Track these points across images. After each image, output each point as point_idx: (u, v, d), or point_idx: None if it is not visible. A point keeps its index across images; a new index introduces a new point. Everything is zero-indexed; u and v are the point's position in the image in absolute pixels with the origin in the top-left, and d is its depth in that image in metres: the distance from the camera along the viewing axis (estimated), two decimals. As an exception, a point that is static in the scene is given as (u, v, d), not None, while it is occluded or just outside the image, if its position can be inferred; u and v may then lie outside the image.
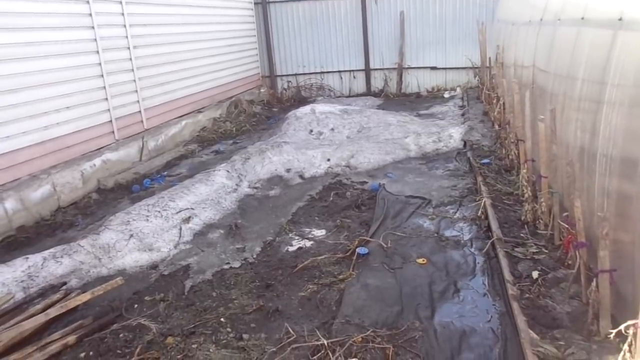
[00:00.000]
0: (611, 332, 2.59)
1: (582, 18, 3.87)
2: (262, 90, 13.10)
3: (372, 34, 12.97)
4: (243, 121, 10.66)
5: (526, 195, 4.80)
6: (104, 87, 7.12)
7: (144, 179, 7.08)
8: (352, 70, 13.38)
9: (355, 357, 3.11)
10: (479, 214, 5.10)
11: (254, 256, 4.69)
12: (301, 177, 6.93)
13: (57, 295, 3.96)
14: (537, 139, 4.52)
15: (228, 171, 6.66)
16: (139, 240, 4.87)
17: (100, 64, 7.02)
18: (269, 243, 4.96)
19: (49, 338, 3.47)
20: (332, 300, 3.85)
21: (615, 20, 3.14)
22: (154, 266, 4.60)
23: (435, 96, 12.49)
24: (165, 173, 7.49)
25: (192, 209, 5.57)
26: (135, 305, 3.95)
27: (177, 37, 9.13)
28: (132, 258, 4.64)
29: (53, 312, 3.67)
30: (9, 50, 5.56)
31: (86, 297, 3.85)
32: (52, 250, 4.57)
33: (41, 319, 3.59)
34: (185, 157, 8.38)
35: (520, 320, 3.22)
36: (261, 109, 12.04)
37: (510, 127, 6.17)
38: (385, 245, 4.65)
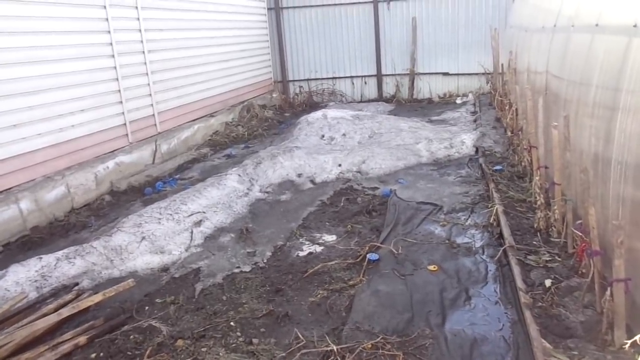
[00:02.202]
0: (626, 343, 2.55)
1: (597, 24, 3.83)
2: (274, 95, 13.16)
3: (384, 39, 12.98)
4: (255, 126, 10.71)
5: (539, 203, 4.75)
6: (119, 91, 7.20)
7: (157, 182, 7.14)
8: (364, 76, 13.39)
9: (365, 363, 3.09)
10: (491, 221, 5.06)
11: (265, 260, 4.69)
12: (312, 182, 6.93)
13: (70, 296, 4.00)
14: (550, 146, 4.48)
15: (240, 175, 6.68)
16: (151, 242, 4.90)
17: (115, 67, 7.11)
18: (279, 248, 4.96)
19: (60, 338, 3.51)
20: (342, 306, 3.84)
21: (630, 26, 3.11)
22: (165, 269, 4.63)
23: (447, 102, 12.45)
24: (178, 176, 7.55)
25: (204, 212, 5.59)
26: (146, 307, 3.97)
27: (191, 41, 9.22)
28: (143, 260, 4.68)
29: (65, 312, 3.70)
30: (26, 54, 5.66)
31: (98, 298, 3.88)
32: (65, 251, 4.62)
33: (53, 318, 3.62)
34: (197, 160, 8.43)
35: (533, 329, 3.18)
36: (273, 113, 12.08)
37: (523, 134, 6.12)
38: (396, 252, 4.63)
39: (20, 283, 4.13)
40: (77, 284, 4.28)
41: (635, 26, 3.05)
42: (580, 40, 4.29)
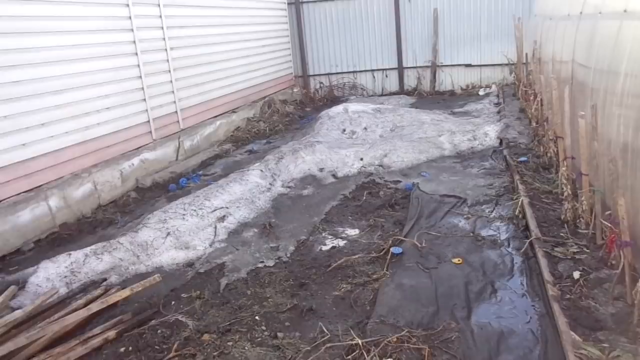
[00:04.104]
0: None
1: (625, 10, 3.72)
2: (295, 90, 13.17)
3: (405, 32, 12.85)
4: (276, 121, 10.75)
5: (566, 194, 4.66)
6: (142, 88, 7.30)
7: (180, 178, 7.23)
8: (385, 69, 13.29)
9: (390, 357, 3.09)
10: (516, 213, 4.98)
11: (288, 255, 4.72)
12: (334, 176, 6.93)
13: (98, 291, 4.09)
14: (576, 136, 4.38)
15: (262, 170, 6.72)
16: (176, 238, 4.98)
17: (139, 65, 7.21)
18: (302, 242, 4.98)
19: (90, 332, 3.59)
20: (366, 300, 3.84)
21: (662, 11, 3.01)
22: (190, 264, 4.69)
23: (469, 94, 12.27)
24: (201, 172, 7.63)
25: (227, 207, 5.64)
26: (173, 302, 4.04)
27: (212, 38, 9.28)
28: (169, 256, 4.75)
29: (94, 308, 3.79)
30: (53, 53, 5.78)
31: (125, 293, 3.96)
32: (93, 247, 4.71)
33: (83, 313, 3.71)
34: (220, 156, 8.51)
35: (562, 322, 3.13)
36: (294, 108, 12.10)
37: (549, 124, 6.00)
38: (419, 245, 4.60)
39: (50, 279, 4.24)
40: (105, 279, 4.38)
41: (666, 10, 2.96)
42: (607, 27, 4.17)
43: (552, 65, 6.57)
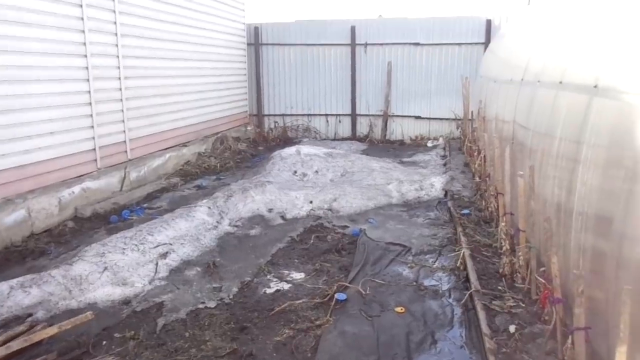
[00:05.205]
0: (586, 393, 2.58)
1: (560, 82, 4.04)
2: (248, 128, 13.22)
3: (359, 80, 13.30)
4: (228, 158, 10.68)
5: (504, 248, 4.85)
6: (91, 115, 7.11)
7: (123, 210, 6.98)
8: (339, 115, 13.62)
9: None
10: (458, 265, 5.12)
11: (231, 297, 4.60)
12: (283, 217, 6.91)
13: (22, 327, 3.81)
14: (516, 193, 4.61)
15: (209, 207, 6.61)
16: (113, 273, 4.75)
17: (89, 91, 7.04)
18: (246, 284, 4.88)
19: (9, 373, 3.32)
20: (308, 346, 3.77)
21: (591, 87, 3.29)
22: (126, 301, 4.47)
23: (418, 144, 12.74)
24: (146, 205, 7.40)
25: (170, 244, 5.48)
26: (104, 342, 3.81)
27: (168, 71, 9.24)
28: (104, 292, 4.51)
29: (15, 346, 3.51)
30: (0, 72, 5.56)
31: (53, 330, 3.70)
32: (20, 279, 4.42)
33: (1, 352, 3.43)
34: (167, 190, 8.31)
35: (497, 376, 3.19)
36: (247, 146, 12.09)
37: (490, 180, 6.29)
38: (363, 292, 4.62)
39: (-32, 312, 3.92)
40: (30, 314, 4.08)
41: (595, 87, 3.23)
42: (545, 94, 4.50)
43: (495, 123, 6.96)
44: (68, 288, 4.45)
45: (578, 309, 2.93)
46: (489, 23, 12.25)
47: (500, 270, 4.81)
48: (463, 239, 5.65)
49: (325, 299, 4.46)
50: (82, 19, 6.85)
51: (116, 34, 7.65)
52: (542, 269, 3.88)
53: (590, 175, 3.20)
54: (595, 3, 4.16)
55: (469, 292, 4.47)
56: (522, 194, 4.29)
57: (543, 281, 3.74)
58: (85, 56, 6.95)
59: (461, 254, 5.18)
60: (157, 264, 5.07)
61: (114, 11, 7.57)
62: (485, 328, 3.81)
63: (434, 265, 5.29)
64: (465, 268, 4.98)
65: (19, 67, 5.83)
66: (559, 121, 3.94)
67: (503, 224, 5.07)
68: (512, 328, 3.84)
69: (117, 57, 7.71)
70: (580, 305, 2.92)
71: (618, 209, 2.81)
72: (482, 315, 4.01)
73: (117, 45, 7.67)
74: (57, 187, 6.47)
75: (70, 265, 4.71)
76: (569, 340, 3.05)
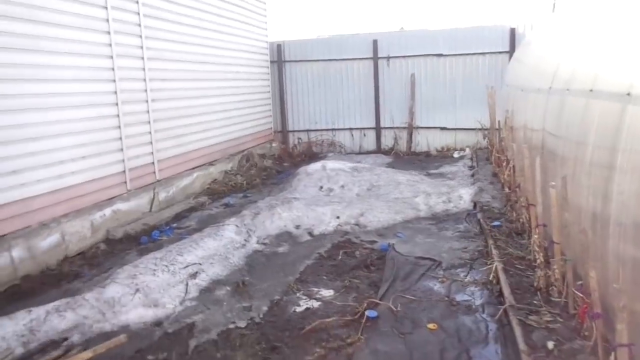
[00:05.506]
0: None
1: (591, 90, 3.94)
2: (273, 144, 13.32)
3: (383, 93, 13.29)
4: (254, 175, 10.76)
5: (538, 261, 4.72)
6: (120, 138, 7.28)
7: (153, 231, 7.08)
8: (363, 128, 13.61)
9: None
10: (490, 278, 5.00)
11: (261, 316, 4.59)
12: (310, 234, 6.89)
13: (58, 352, 3.87)
14: (548, 204, 4.49)
15: (237, 226, 6.65)
16: (145, 295, 4.80)
17: (118, 115, 7.21)
18: (276, 302, 4.86)
19: (46, 396, 3.37)
20: (339, 365, 3.72)
21: (624, 94, 3.19)
22: (158, 323, 4.50)
23: (444, 156, 12.60)
24: (175, 225, 7.50)
25: (200, 264, 5.52)
26: (137, 364, 3.84)
27: (193, 92, 9.41)
28: (136, 314, 4.56)
29: (52, 369, 3.58)
30: (31, 100, 5.75)
31: (87, 355, 3.75)
32: (56, 303, 4.50)
33: (40, 375, 3.49)
34: (195, 209, 8.41)
35: (537, 396, 3.08)
36: (272, 163, 12.18)
37: (521, 191, 6.15)
38: (394, 309, 4.54)
39: (6, 338, 3.98)
40: (66, 338, 4.15)
41: (629, 94, 3.13)
42: (575, 102, 4.39)
43: (523, 132, 6.82)
44: (102, 311, 4.52)
45: (620, 324, 2.81)
46: (512, 32, 12.10)
47: (535, 284, 4.68)
48: (494, 251, 5.52)
49: (356, 317, 4.41)
50: (110, 45, 7.06)
51: (142, 58, 7.85)
52: (580, 282, 3.76)
53: (628, 183, 3.09)
54: (624, 8, 4.06)
55: (503, 307, 4.35)
56: (555, 204, 4.17)
57: (581, 295, 3.61)
58: (114, 81, 7.14)
59: (493, 268, 5.06)
60: (187, 284, 5.11)
61: (140, 36, 7.78)
62: (522, 345, 3.69)
63: (466, 280, 5.18)
64: (498, 282, 4.85)
65: (50, 95, 6.03)
66: (591, 128, 3.83)
67: (536, 236, 4.94)
68: (550, 344, 3.71)
69: (144, 80, 7.89)
70: (622, 321, 2.81)
71: (659, 219, 2.70)
72: (518, 331, 3.89)
73: (143, 69, 7.86)
74: (89, 210, 6.62)
75: (103, 288, 4.79)
76: (612, 358, 2.93)
